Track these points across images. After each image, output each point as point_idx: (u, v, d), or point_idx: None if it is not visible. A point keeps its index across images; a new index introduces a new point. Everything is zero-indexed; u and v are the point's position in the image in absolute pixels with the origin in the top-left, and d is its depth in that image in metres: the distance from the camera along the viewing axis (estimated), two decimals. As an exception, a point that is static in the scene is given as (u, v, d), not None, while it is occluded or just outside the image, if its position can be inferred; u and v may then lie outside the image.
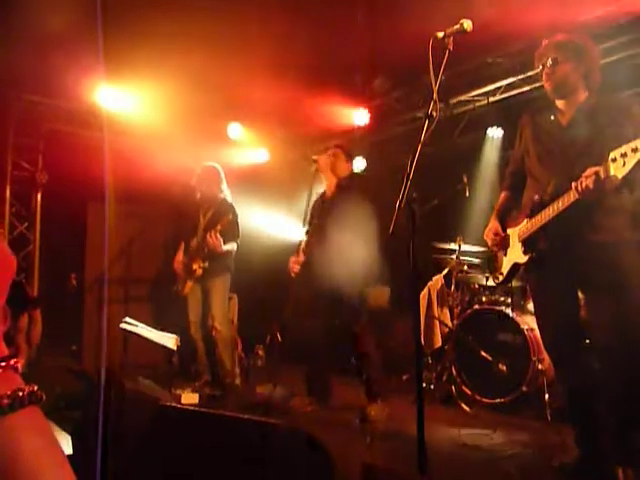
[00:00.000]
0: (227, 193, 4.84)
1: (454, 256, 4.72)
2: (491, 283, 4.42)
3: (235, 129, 6.65)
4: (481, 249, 4.57)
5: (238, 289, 5.54)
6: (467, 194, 4.49)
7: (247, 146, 6.92)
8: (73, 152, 5.57)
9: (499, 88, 5.34)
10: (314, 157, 4.22)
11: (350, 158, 4.17)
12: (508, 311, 4.20)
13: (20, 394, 0.61)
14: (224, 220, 4.46)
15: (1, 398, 0.59)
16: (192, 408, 2.38)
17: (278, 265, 4.26)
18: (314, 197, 4.27)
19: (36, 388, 0.63)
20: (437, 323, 4.81)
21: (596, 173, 2.19)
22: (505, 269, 2.79)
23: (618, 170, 2.12)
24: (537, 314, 2.85)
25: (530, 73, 4.84)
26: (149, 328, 4.44)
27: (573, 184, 2.28)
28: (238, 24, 4.29)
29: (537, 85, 4.80)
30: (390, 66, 5.32)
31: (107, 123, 5.67)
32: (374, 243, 3.66)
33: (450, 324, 4.70)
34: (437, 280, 4.95)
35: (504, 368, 4.09)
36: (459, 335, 4.43)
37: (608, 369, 2.43)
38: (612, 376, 2.43)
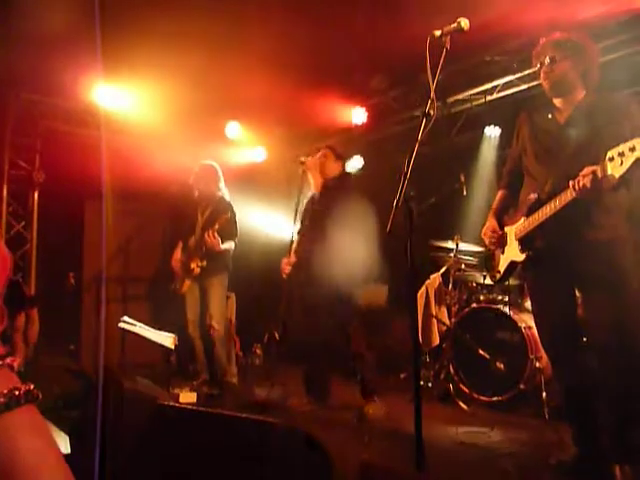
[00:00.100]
0: (225, 192, 4.84)
1: (452, 254, 4.72)
2: (489, 281, 4.43)
3: (233, 128, 6.65)
4: (478, 248, 4.58)
5: (236, 288, 5.54)
6: (464, 193, 4.49)
7: (245, 145, 6.92)
8: (70, 151, 5.57)
9: (496, 87, 5.34)
10: (301, 159, 4.25)
11: (340, 158, 4.18)
12: (506, 309, 4.21)
13: (16, 393, 0.61)
14: (222, 219, 4.46)
15: (-2, 397, 0.59)
16: (190, 407, 2.38)
17: (276, 264, 4.26)
18: (305, 198, 4.29)
19: (32, 387, 0.63)
20: (435, 321, 4.82)
21: (593, 172, 2.19)
22: (502, 267, 2.80)
23: (615, 169, 2.12)
24: (534, 312, 2.86)
25: (528, 71, 4.84)
26: (147, 327, 4.43)
27: (571, 183, 2.28)
28: (236, 23, 4.29)
29: (535, 84, 4.80)
30: (387, 65, 5.32)
31: (105, 122, 5.66)
32: (364, 242, 3.68)
33: (448, 322, 4.70)
34: (435, 278, 4.96)
35: (502, 366, 4.10)
36: (457, 333, 4.44)
37: (605, 367, 2.43)
38: (609, 374, 2.43)
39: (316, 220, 4.05)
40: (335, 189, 4.06)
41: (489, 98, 5.47)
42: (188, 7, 4.08)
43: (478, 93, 5.52)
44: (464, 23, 2.22)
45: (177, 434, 1.81)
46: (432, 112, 2.22)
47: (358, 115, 6.10)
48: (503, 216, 2.87)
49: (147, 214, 6.62)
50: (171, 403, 2.07)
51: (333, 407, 4.02)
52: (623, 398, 2.42)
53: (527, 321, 4.08)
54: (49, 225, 6.01)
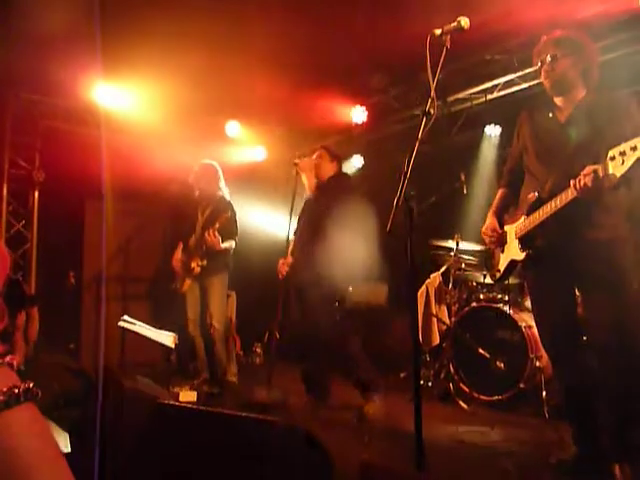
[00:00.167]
0: (225, 191, 4.84)
1: (452, 254, 4.72)
2: (489, 280, 4.42)
3: (233, 127, 6.65)
4: (479, 247, 4.58)
5: (236, 287, 5.54)
6: (465, 192, 4.49)
7: (245, 144, 6.92)
8: (70, 150, 5.57)
9: (497, 85, 5.33)
10: (295, 160, 4.29)
11: (335, 159, 4.20)
12: (506, 308, 4.21)
13: (16, 391, 0.61)
14: (222, 218, 4.46)
15: (-3, 394, 0.59)
16: (190, 406, 2.38)
17: (276, 263, 4.28)
18: (302, 199, 4.31)
19: (32, 385, 0.63)
20: (435, 321, 4.82)
21: (595, 171, 2.18)
22: (502, 266, 2.80)
23: (617, 168, 2.12)
24: (534, 311, 2.85)
25: (528, 70, 4.84)
26: (147, 326, 4.44)
27: (572, 182, 2.28)
28: (236, 22, 4.28)
29: (535, 82, 4.80)
30: (387, 64, 5.31)
31: (105, 121, 5.65)
32: (360, 242, 3.70)
33: (448, 322, 4.70)
34: (435, 278, 4.96)
35: (502, 365, 4.10)
36: (457, 332, 4.44)
37: (605, 366, 2.43)
38: (609, 373, 2.43)
39: (311, 221, 4.08)
40: (329, 189, 4.08)
41: (489, 97, 5.46)
42: (188, 6, 4.07)
43: (478, 92, 5.51)
44: (464, 22, 2.22)
45: (177, 433, 1.81)
46: (432, 111, 2.22)
47: (358, 114, 6.10)
48: (503, 215, 2.87)
49: (147, 213, 6.62)
50: (171, 402, 2.07)
51: (333, 406, 4.02)
52: (623, 397, 2.42)
53: (527, 320, 4.08)
54: (49, 224, 6.00)
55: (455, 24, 2.23)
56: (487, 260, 2.98)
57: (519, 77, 5.08)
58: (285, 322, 4.36)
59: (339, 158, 4.24)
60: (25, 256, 5.94)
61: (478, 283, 4.77)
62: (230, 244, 4.64)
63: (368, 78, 5.80)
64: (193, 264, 4.57)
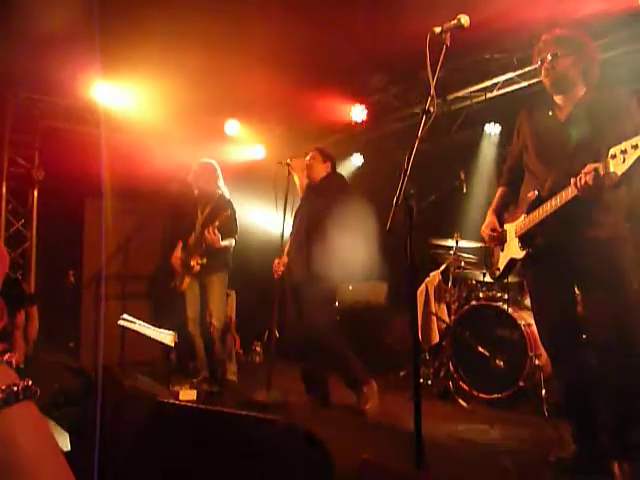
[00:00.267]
0: (224, 189, 4.84)
1: (451, 252, 4.72)
2: (488, 279, 4.43)
3: (232, 126, 6.64)
4: (478, 245, 4.58)
5: (236, 285, 5.54)
6: (464, 190, 4.49)
7: (244, 143, 6.91)
8: (70, 149, 5.57)
9: (496, 84, 5.33)
10: (287, 160, 4.31)
11: (328, 159, 4.23)
12: (505, 307, 4.21)
13: (14, 389, 0.61)
14: (222, 216, 4.46)
15: (-5, 393, 0.59)
16: (190, 405, 2.38)
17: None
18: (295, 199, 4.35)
19: (30, 383, 0.62)
20: (434, 319, 4.82)
21: (596, 169, 2.18)
22: (502, 265, 2.80)
23: (618, 167, 2.11)
24: (534, 310, 2.86)
25: (528, 69, 4.84)
26: (147, 325, 4.44)
27: (572, 180, 2.27)
28: (235, 21, 4.28)
29: (535, 81, 4.80)
30: (387, 62, 5.31)
31: (104, 120, 5.65)
32: (354, 241, 3.72)
33: (447, 320, 4.70)
34: (434, 276, 4.96)
35: (501, 364, 4.11)
36: (456, 331, 4.44)
37: (605, 365, 2.44)
38: (609, 372, 2.43)
39: (304, 221, 4.12)
40: (322, 190, 4.12)
41: (489, 95, 5.46)
42: (187, 5, 4.07)
43: (478, 90, 5.51)
44: (464, 20, 2.22)
45: (177, 432, 1.81)
46: (432, 109, 2.21)
47: (358, 113, 6.09)
48: (503, 213, 2.87)
49: (147, 212, 6.62)
50: (171, 401, 2.07)
51: (333, 406, 4.02)
52: (622, 396, 2.42)
53: (526, 319, 4.08)
54: (49, 223, 6.00)
55: (455, 22, 2.23)
56: (487, 258, 2.98)
57: (519, 75, 5.08)
58: (283, 321, 4.37)
59: (332, 159, 4.27)
60: (24, 255, 5.94)
61: (478, 281, 4.77)
62: (230, 242, 4.64)
63: (368, 77, 5.80)
64: (193, 262, 4.57)
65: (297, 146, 6.50)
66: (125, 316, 4.42)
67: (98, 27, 3.77)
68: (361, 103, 6.09)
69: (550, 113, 2.63)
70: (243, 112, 6.38)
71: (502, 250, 2.81)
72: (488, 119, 5.81)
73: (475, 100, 5.62)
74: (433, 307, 4.85)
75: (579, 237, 2.43)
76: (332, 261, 3.75)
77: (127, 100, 5.77)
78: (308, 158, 4.22)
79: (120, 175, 5.19)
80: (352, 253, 3.77)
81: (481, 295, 4.59)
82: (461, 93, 5.58)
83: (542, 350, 3.69)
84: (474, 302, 4.51)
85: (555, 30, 2.60)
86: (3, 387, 0.60)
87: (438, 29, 2.25)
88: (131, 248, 6.59)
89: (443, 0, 2.91)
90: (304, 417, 3.73)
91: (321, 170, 4.18)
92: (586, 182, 2.21)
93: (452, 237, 4.70)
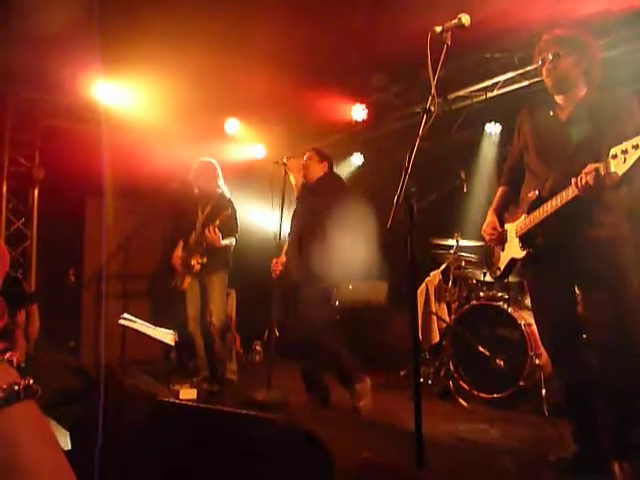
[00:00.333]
0: (225, 189, 4.84)
1: (452, 252, 4.72)
2: (489, 279, 4.43)
3: (232, 125, 6.64)
4: (479, 244, 4.58)
5: (236, 284, 5.54)
6: (465, 190, 4.49)
7: (244, 142, 6.91)
8: (70, 147, 5.56)
9: (497, 83, 5.32)
10: (284, 160, 4.33)
11: (324, 159, 4.25)
12: (505, 306, 4.21)
13: (15, 388, 0.61)
14: (222, 215, 4.46)
15: (-4, 391, 0.59)
16: (190, 404, 2.38)
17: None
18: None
19: (31, 382, 0.62)
20: (435, 319, 4.82)
21: (596, 169, 2.18)
22: (502, 264, 2.80)
23: (618, 167, 2.11)
24: (534, 309, 2.86)
25: (529, 68, 4.83)
26: (147, 324, 4.44)
27: (573, 180, 2.27)
28: (236, 21, 4.28)
29: (536, 80, 4.79)
30: (388, 61, 5.31)
31: (104, 118, 5.65)
32: (349, 240, 3.73)
33: (448, 319, 4.70)
34: (435, 276, 4.96)
35: (501, 363, 4.11)
36: (457, 330, 4.44)
37: (605, 365, 2.44)
38: (609, 372, 2.44)
39: (301, 221, 4.16)
40: (318, 190, 4.14)
41: (490, 95, 5.46)
42: (188, 4, 4.07)
43: (479, 90, 5.50)
44: (465, 19, 2.22)
45: (177, 430, 1.81)
46: (433, 108, 2.21)
47: (358, 112, 6.09)
48: (504, 213, 2.87)
49: (147, 211, 6.62)
50: (171, 400, 2.07)
51: (333, 405, 4.02)
52: (623, 396, 2.42)
53: (527, 318, 4.08)
54: (49, 222, 6.00)
55: (456, 21, 2.22)
56: (487, 258, 2.98)
57: (519, 75, 5.07)
58: (283, 321, 4.39)
59: (329, 159, 4.28)
60: (25, 254, 5.94)
61: (478, 281, 4.76)
62: (230, 241, 4.64)
63: (368, 76, 5.80)
64: (193, 261, 4.57)
65: (297, 145, 6.49)
66: (126, 315, 4.42)
67: (99, 26, 3.77)
68: (361, 102, 6.08)
69: (551, 113, 2.62)
70: (243, 111, 6.38)
71: (502, 250, 2.81)
72: (489, 118, 5.80)
73: (476, 99, 5.62)
74: (433, 306, 4.85)
75: (580, 237, 2.43)
76: (329, 261, 3.76)
77: (128, 99, 5.77)
78: (305, 158, 4.24)
79: (121, 174, 5.19)
80: (349, 253, 3.78)
81: (481, 295, 4.59)
82: (462, 92, 5.58)
83: (542, 350, 3.68)
84: (474, 302, 4.51)
85: (556, 29, 2.59)
86: (4, 386, 0.60)
87: (439, 28, 2.25)
88: (131, 247, 6.59)
89: (444, -1, 2.90)
90: (304, 416, 3.73)
91: (317, 170, 4.20)
92: (587, 182, 2.21)
93: (452, 236, 4.70)
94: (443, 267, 4.93)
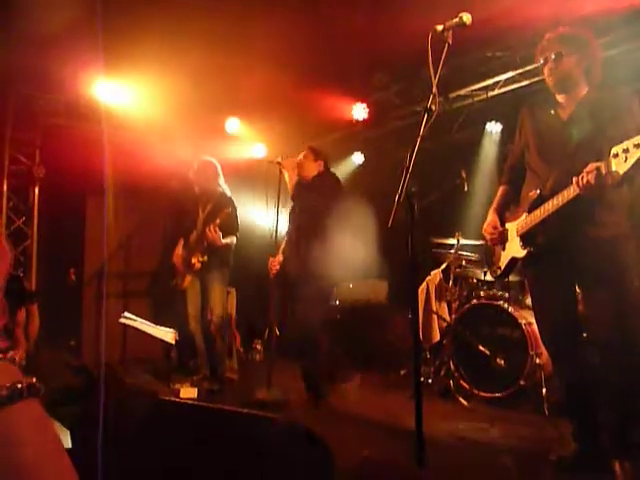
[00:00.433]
0: (225, 187, 4.84)
1: (452, 251, 4.72)
2: (489, 278, 4.43)
3: (233, 124, 6.63)
4: (479, 244, 4.57)
5: (236, 283, 5.54)
6: (465, 189, 4.49)
7: (245, 141, 6.90)
8: (71, 146, 5.56)
9: (498, 82, 5.32)
10: (278, 159, 4.34)
11: (319, 158, 4.27)
12: (506, 306, 4.21)
13: (19, 386, 0.61)
14: (223, 214, 4.46)
15: (0, 389, 0.59)
16: (191, 402, 2.38)
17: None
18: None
19: (34, 380, 0.63)
20: (435, 318, 4.82)
21: (598, 168, 2.18)
22: (503, 263, 2.80)
23: (620, 166, 2.11)
24: (535, 309, 2.86)
25: (529, 67, 4.83)
26: (148, 322, 4.44)
27: (574, 179, 2.27)
28: (236, 20, 4.27)
29: (537, 79, 4.79)
30: (389, 60, 5.30)
31: (105, 117, 5.64)
32: (345, 239, 3.74)
33: (448, 319, 4.70)
34: (435, 275, 4.96)
35: (502, 362, 4.11)
36: (457, 330, 4.44)
37: (606, 364, 2.44)
38: (610, 371, 2.44)
39: (295, 219, 4.19)
40: (313, 188, 4.15)
41: (491, 94, 5.45)
42: (189, 4, 4.07)
43: (480, 89, 5.50)
44: (466, 18, 2.22)
45: (178, 429, 1.81)
46: (434, 107, 2.21)
47: (359, 111, 6.08)
48: (504, 212, 2.87)
49: (148, 210, 6.61)
50: (172, 398, 2.07)
51: (334, 404, 4.03)
52: (623, 395, 2.42)
53: (527, 317, 4.08)
54: (50, 220, 6.00)
55: (457, 20, 2.22)
56: (488, 257, 2.98)
57: (520, 74, 5.07)
58: (283, 319, 4.40)
59: (324, 157, 4.29)
60: (25, 252, 5.93)
61: (479, 280, 4.76)
62: (231, 240, 4.64)
63: (369, 75, 5.79)
64: (194, 260, 4.57)
65: (298, 144, 6.48)
66: (126, 314, 4.42)
67: (100, 25, 3.76)
68: (362, 101, 6.08)
69: (552, 112, 2.62)
70: (244, 110, 6.38)
71: (503, 249, 2.81)
72: (489, 117, 5.80)
73: (477, 98, 5.61)
74: (434, 306, 4.85)
75: (581, 236, 2.43)
76: (326, 259, 3.77)
77: (128, 98, 5.76)
78: (300, 157, 4.26)
79: (121, 173, 5.19)
80: (346, 251, 3.79)
81: (482, 294, 4.58)
82: (463, 91, 5.57)
83: (543, 349, 3.68)
84: (475, 301, 4.51)
85: (559, 28, 2.59)
86: (7, 384, 0.60)
87: (440, 27, 2.25)
88: (132, 246, 6.59)
89: (445, -2, 2.90)
90: (304, 415, 3.73)
91: (312, 168, 4.21)
92: (588, 181, 2.21)
93: (453, 236, 4.70)
94: (444, 266, 4.93)
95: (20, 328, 4.22)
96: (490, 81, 5.34)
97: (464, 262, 4.81)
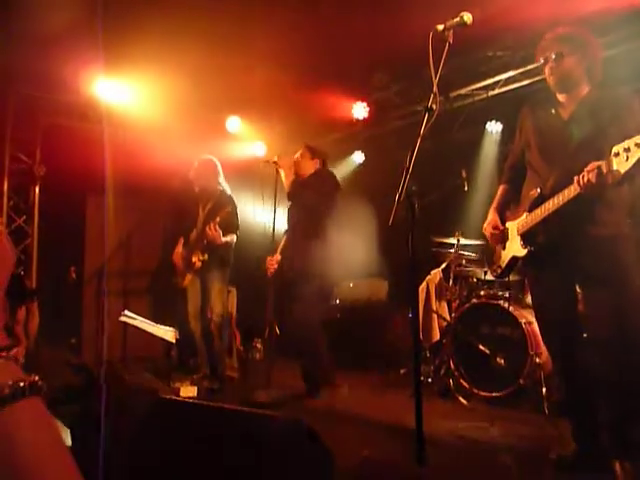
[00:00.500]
0: (225, 186, 4.84)
1: (453, 250, 4.72)
2: (489, 277, 4.43)
3: (233, 123, 6.64)
4: (480, 243, 4.58)
5: (237, 282, 5.54)
6: (466, 188, 4.49)
7: (245, 140, 6.91)
8: (71, 145, 5.56)
9: (498, 82, 5.32)
10: (274, 158, 4.36)
11: (316, 156, 4.29)
12: (506, 305, 4.21)
13: (21, 384, 0.61)
14: (223, 212, 4.46)
15: (2, 387, 0.59)
16: (191, 401, 2.38)
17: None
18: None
19: (37, 379, 0.63)
20: (435, 317, 4.82)
21: (599, 167, 2.18)
22: (503, 263, 2.80)
23: (621, 165, 2.11)
24: (535, 308, 2.86)
25: (530, 67, 4.83)
26: (148, 321, 4.44)
27: (575, 178, 2.27)
28: (237, 19, 4.28)
29: (537, 79, 4.79)
30: (390, 60, 5.30)
31: (106, 116, 5.64)
32: (336, 237, 3.74)
33: (448, 318, 4.70)
34: (435, 274, 4.96)
35: (502, 362, 4.11)
36: (457, 329, 4.44)
37: (606, 363, 2.44)
38: (610, 370, 2.44)
39: (293, 217, 4.20)
40: (308, 185, 4.14)
41: (491, 93, 5.46)
42: (189, 3, 4.07)
43: (480, 88, 5.50)
44: (467, 17, 2.22)
45: (178, 428, 1.81)
46: (434, 107, 2.21)
47: (359, 110, 6.08)
48: (505, 211, 2.87)
49: (148, 208, 6.61)
50: (172, 397, 2.07)
51: (334, 403, 4.03)
52: (623, 394, 2.42)
53: (528, 317, 4.08)
54: (50, 219, 6.00)
55: (458, 19, 2.22)
56: (488, 256, 2.98)
57: (521, 74, 5.07)
58: (282, 319, 4.40)
59: (321, 155, 4.30)
60: (26, 251, 5.94)
61: (479, 279, 4.76)
62: (231, 238, 4.64)
63: (369, 74, 5.79)
64: (194, 258, 4.58)
65: (298, 143, 6.49)
66: (126, 312, 4.43)
67: (100, 24, 3.76)
68: (363, 100, 6.08)
69: (553, 111, 2.62)
70: (244, 109, 6.38)
71: (504, 248, 2.81)
72: (490, 117, 5.80)
73: (477, 98, 5.61)
74: (434, 305, 4.85)
75: (582, 235, 2.43)
76: (322, 257, 3.78)
77: (129, 97, 5.76)
78: (297, 155, 4.27)
79: (121, 171, 5.18)
80: (342, 249, 3.79)
81: (482, 293, 4.58)
82: (463, 91, 5.58)
83: (543, 348, 3.69)
84: (475, 300, 4.51)
85: (559, 28, 2.58)
86: (10, 382, 0.60)
87: (441, 27, 2.25)
88: (132, 244, 6.59)
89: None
90: (304, 414, 3.73)
91: (309, 167, 4.22)
92: (589, 180, 2.21)
93: (453, 235, 4.70)
94: (444, 265, 4.93)
95: (20, 326, 4.22)
96: (491, 80, 5.34)
97: (464, 261, 4.82)
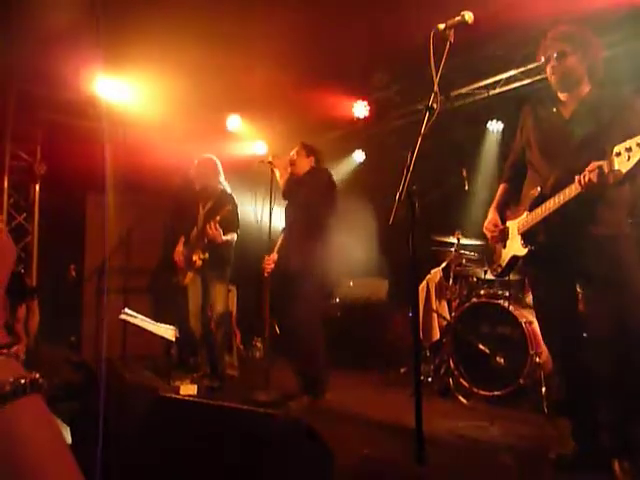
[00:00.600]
0: (226, 185, 4.84)
1: (453, 249, 4.72)
2: (490, 276, 4.42)
3: (234, 121, 6.63)
4: (480, 242, 4.57)
5: (237, 280, 5.54)
6: (466, 187, 4.48)
7: (246, 138, 6.91)
8: (72, 143, 5.56)
9: (499, 81, 5.32)
10: (269, 157, 4.36)
11: (312, 154, 4.27)
12: (506, 304, 4.21)
13: (22, 382, 0.61)
14: (224, 211, 4.46)
15: (3, 385, 0.59)
16: (191, 399, 2.38)
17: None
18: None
19: (38, 376, 0.63)
20: (435, 316, 4.82)
21: (600, 167, 2.18)
22: (504, 262, 2.79)
23: (622, 164, 2.11)
24: (536, 307, 2.86)
25: (531, 66, 4.83)
26: (148, 319, 4.44)
27: (576, 177, 2.27)
28: (238, 18, 4.27)
29: (538, 78, 4.79)
30: (391, 59, 5.30)
31: (106, 114, 5.63)
32: (333, 236, 3.74)
33: (448, 317, 4.70)
34: (435, 273, 4.96)
35: (502, 361, 4.11)
36: (457, 328, 4.44)
37: (606, 362, 2.44)
38: (610, 369, 2.44)
39: (289, 216, 4.18)
40: (304, 183, 4.14)
41: (492, 92, 5.45)
42: (190, 2, 4.07)
43: (481, 87, 5.50)
44: (468, 16, 2.21)
45: (178, 426, 1.81)
46: (435, 106, 2.21)
47: (360, 109, 6.08)
48: (505, 210, 2.86)
49: (148, 206, 6.61)
50: (172, 395, 2.07)
51: (333, 402, 4.03)
52: (624, 394, 2.42)
53: (528, 316, 4.08)
54: (50, 217, 6.00)
55: (459, 18, 2.22)
56: (488, 255, 2.98)
57: (521, 73, 5.07)
58: (279, 318, 4.40)
59: (316, 154, 4.29)
60: (26, 249, 5.95)
61: (479, 279, 4.76)
62: (232, 237, 4.64)
63: (370, 73, 5.79)
64: (195, 257, 4.58)
65: (298, 142, 6.50)
66: (127, 310, 4.43)
67: (101, 22, 3.76)
68: (363, 99, 6.08)
69: (554, 110, 2.62)
70: (245, 108, 6.38)
71: (504, 247, 2.80)
72: (491, 116, 5.80)
73: (478, 97, 5.61)
74: (434, 304, 4.85)
75: (582, 234, 2.43)
76: (319, 256, 3.77)
77: (129, 95, 5.76)
78: (292, 153, 4.26)
79: (122, 170, 5.17)
80: (339, 247, 3.79)
81: (482, 292, 4.58)
82: (464, 90, 5.58)
83: (543, 348, 3.69)
84: (475, 299, 4.51)
85: (561, 27, 2.58)
86: (11, 380, 0.60)
87: (442, 26, 2.25)
88: (133, 243, 6.59)
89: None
90: (304, 414, 3.73)
91: (304, 165, 4.21)
92: (590, 179, 2.20)
93: (454, 234, 4.70)
94: (444, 264, 4.93)
95: (20, 324, 4.22)
96: (492, 79, 5.34)
97: (464, 260, 4.81)
